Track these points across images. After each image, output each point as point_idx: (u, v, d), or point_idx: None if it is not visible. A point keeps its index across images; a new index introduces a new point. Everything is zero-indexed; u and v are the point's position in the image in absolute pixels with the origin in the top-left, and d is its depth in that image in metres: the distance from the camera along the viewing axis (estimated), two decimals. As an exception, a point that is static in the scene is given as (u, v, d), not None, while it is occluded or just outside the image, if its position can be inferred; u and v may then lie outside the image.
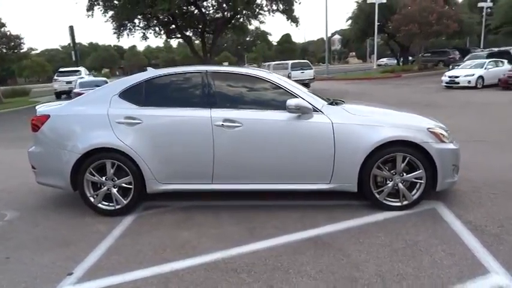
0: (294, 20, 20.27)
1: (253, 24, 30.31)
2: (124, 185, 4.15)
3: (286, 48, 70.58)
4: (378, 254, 3.20)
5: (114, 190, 4.17)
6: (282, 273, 2.99)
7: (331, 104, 4.24)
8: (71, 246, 3.60)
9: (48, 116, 4.26)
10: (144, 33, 22.50)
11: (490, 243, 3.27)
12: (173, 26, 21.61)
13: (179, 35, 22.02)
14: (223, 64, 65.28)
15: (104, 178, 4.14)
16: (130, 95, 4.22)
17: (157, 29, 22.56)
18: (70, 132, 4.19)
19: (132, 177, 4.10)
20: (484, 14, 37.23)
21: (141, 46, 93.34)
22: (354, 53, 76.23)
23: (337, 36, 50.49)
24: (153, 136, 4.07)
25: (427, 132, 3.94)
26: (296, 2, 19.52)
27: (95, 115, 4.17)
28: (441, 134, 3.99)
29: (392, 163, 3.96)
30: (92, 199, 4.20)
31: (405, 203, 3.99)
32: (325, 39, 36.25)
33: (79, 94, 15.62)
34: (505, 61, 21.25)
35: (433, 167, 3.90)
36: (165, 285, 2.91)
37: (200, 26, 21.59)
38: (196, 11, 20.22)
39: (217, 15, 21.26)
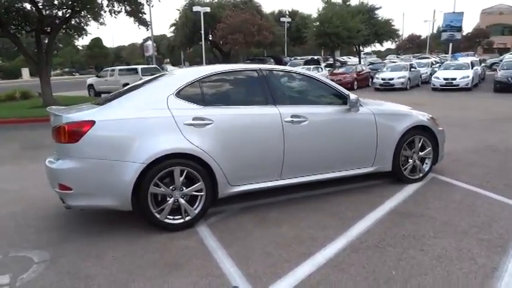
0: (143, 23, 19.43)
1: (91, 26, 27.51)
2: (194, 193, 3.77)
3: (97, 53, 65.62)
4: (450, 213, 4.03)
5: (183, 200, 3.73)
6: (413, 240, 3.46)
7: (358, 99, 4.86)
8: (186, 267, 3.13)
9: (92, 122, 3.45)
10: None
11: (504, 192, 4.50)
12: (-10, 21, 17.64)
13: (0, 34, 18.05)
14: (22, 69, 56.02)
15: (170, 188, 3.66)
16: (187, 94, 3.85)
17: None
18: (126, 139, 3.53)
19: (204, 183, 3.77)
20: (285, 27, 43.85)
21: None
22: (168, 60, 76.98)
23: (150, 42, 50.08)
24: (225, 136, 3.84)
25: (429, 118, 5.02)
26: (148, 4, 18.82)
27: (156, 118, 3.64)
28: (436, 119, 5.15)
29: (409, 145, 4.87)
30: (157, 215, 3.64)
31: (420, 175, 4.97)
32: (137, 44, 35.74)
33: None
34: (322, 66, 25.93)
35: (436, 145, 5.00)
36: (339, 269, 3.00)
37: (28, 23, 18.29)
38: (28, 6, 17.05)
39: (49, 12, 18.46)
